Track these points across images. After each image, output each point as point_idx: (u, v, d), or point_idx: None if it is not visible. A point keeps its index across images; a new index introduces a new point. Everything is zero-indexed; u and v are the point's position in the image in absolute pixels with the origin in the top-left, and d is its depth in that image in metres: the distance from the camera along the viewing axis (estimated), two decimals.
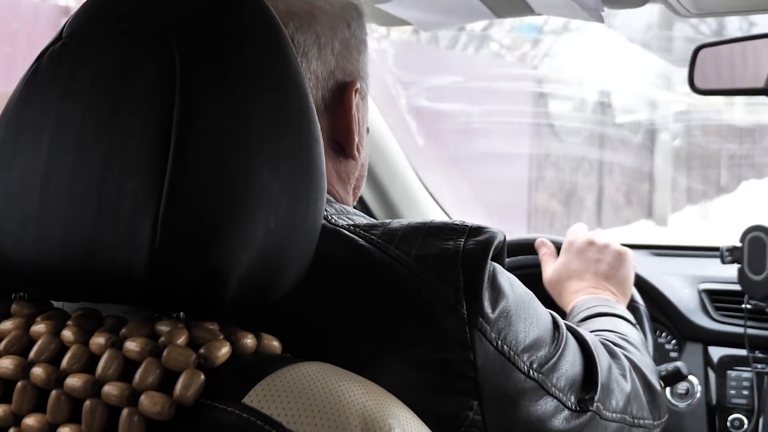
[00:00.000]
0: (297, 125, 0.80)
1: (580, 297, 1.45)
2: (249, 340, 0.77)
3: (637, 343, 1.26)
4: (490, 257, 0.89)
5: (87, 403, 0.72)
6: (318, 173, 0.82)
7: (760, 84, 1.56)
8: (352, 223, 0.92)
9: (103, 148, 0.74)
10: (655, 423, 1.20)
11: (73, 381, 0.73)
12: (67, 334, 0.76)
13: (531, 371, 0.92)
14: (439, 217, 2.33)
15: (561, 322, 1.02)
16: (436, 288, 0.86)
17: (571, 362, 0.99)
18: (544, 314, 0.99)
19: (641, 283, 1.96)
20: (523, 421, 0.92)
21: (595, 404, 1.02)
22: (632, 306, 1.57)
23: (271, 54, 0.80)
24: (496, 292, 0.90)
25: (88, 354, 0.74)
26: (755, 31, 1.56)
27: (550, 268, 1.59)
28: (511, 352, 0.90)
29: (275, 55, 0.80)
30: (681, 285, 1.99)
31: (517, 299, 0.93)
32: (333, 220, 0.92)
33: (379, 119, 2.04)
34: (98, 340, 0.75)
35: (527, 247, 1.71)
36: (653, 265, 2.13)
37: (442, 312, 0.86)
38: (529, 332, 0.93)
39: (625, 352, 1.18)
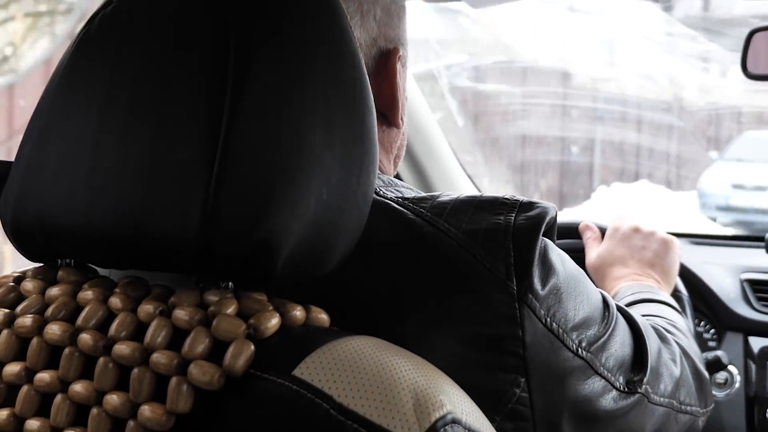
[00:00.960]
0: (351, 95, 0.79)
1: (623, 283, 1.43)
2: (298, 312, 0.77)
3: (684, 330, 1.25)
4: (541, 233, 0.88)
5: (135, 370, 0.71)
6: (371, 144, 0.81)
7: None
8: (401, 195, 0.91)
9: (156, 113, 0.73)
10: (702, 411, 1.18)
11: (122, 348, 0.72)
12: (115, 301, 0.75)
13: (580, 350, 0.91)
14: (465, 184, 2.31)
15: (611, 301, 1.00)
16: (486, 263, 0.85)
17: (620, 342, 0.98)
18: (595, 293, 0.97)
19: (682, 271, 1.93)
20: (570, 400, 0.91)
21: (643, 386, 1.01)
22: (675, 295, 1.54)
23: (328, 22, 0.79)
24: (547, 269, 0.88)
25: (136, 322, 0.74)
26: None
27: (593, 252, 1.57)
28: (560, 330, 0.89)
29: (331, 24, 0.79)
30: (722, 274, 1.96)
31: (568, 276, 0.91)
32: (382, 193, 0.91)
33: (419, 98, 2.02)
34: (146, 308, 0.74)
35: (571, 231, 1.69)
36: (694, 254, 2.10)
37: (492, 287, 0.85)
38: (579, 310, 0.92)
39: (675, 338, 1.16)
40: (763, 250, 1.82)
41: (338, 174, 0.77)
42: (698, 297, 1.92)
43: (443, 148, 2.17)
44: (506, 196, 0.90)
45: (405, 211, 0.88)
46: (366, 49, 0.99)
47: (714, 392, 1.82)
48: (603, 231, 1.61)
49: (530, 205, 0.89)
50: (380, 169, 1.01)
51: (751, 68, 1.54)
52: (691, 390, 1.14)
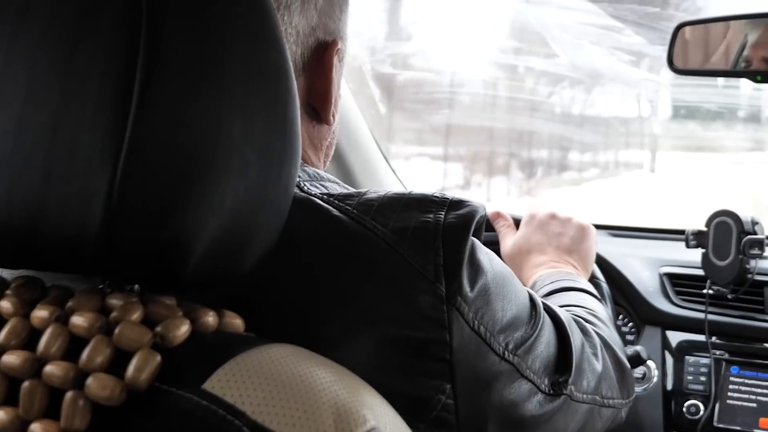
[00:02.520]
0: (274, 82, 0.73)
1: (542, 271, 1.41)
2: (210, 318, 0.71)
3: (605, 319, 1.23)
4: (471, 232, 0.85)
5: (26, 383, 0.65)
6: (293, 135, 0.75)
7: (737, 65, 1.52)
8: (326, 191, 0.86)
9: (57, 96, 0.66)
10: (624, 402, 1.18)
11: (11, 359, 0.65)
12: (5, 305, 0.69)
13: (507, 353, 0.89)
14: (397, 185, 2.28)
15: (538, 300, 0.98)
16: (414, 262, 0.82)
17: (546, 343, 0.96)
18: (522, 292, 0.95)
19: (600, 262, 1.92)
20: (495, 406, 0.89)
21: (568, 387, 0.99)
22: (594, 281, 1.53)
23: (249, 2, 0.73)
24: (475, 269, 0.85)
25: (28, 328, 0.67)
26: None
27: (509, 241, 1.53)
28: (488, 333, 0.86)
29: (254, 4, 0.73)
30: (641, 267, 1.95)
31: (497, 276, 0.89)
32: (306, 188, 0.86)
33: (343, 87, 1.97)
34: (41, 314, 0.67)
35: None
36: (613, 246, 2.10)
37: (420, 289, 0.82)
38: (507, 311, 0.89)
39: (596, 329, 1.14)
40: (682, 244, 1.81)
41: (257, 167, 0.71)
42: (617, 290, 1.91)
43: (368, 142, 2.12)
44: (435, 194, 0.86)
45: (329, 207, 0.84)
46: (303, 38, 0.94)
47: None
48: (517, 220, 1.58)
49: (460, 204, 0.86)
50: (308, 164, 0.97)
51: (677, 63, 1.52)
52: (613, 382, 1.12)
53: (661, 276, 1.91)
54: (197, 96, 0.67)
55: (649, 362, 1.83)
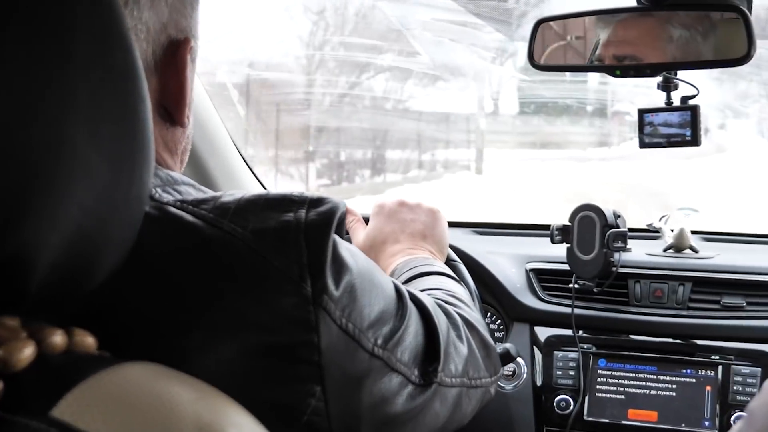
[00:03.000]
0: (121, 83, 0.67)
1: (399, 259, 1.39)
2: (58, 338, 0.65)
3: (466, 300, 1.22)
4: (333, 229, 0.82)
5: None
6: (145, 139, 0.69)
7: (594, 61, 1.53)
8: (180, 198, 0.82)
9: None
10: (491, 379, 1.17)
11: None
12: None
13: (376, 348, 0.87)
14: (256, 187, 2.22)
15: (403, 290, 0.97)
16: (277, 264, 0.79)
17: (414, 333, 0.95)
18: (388, 284, 0.94)
19: (466, 260, 1.91)
20: (366, 403, 0.87)
21: (438, 375, 0.98)
22: (450, 264, 1.51)
23: (91, 5, 0.66)
24: (340, 267, 0.83)
25: None
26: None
27: (360, 235, 1.51)
28: (356, 330, 0.85)
29: (95, 6, 0.66)
30: (508, 264, 1.96)
31: (361, 271, 0.87)
32: (157, 195, 0.81)
33: (197, 85, 1.89)
34: None
35: None
36: (479, 244, 2.10)
37: (285, 290, 0.79)
38: (374, 306, 0.88)
39: (458, 310, 1.13)
40: (548, 239, 1.82)
41: (106, 176, 0.65)
42: (485, 288, 1.92)
43: (227, 145, 2.06)
44: (294, 193, 0.84)
45: (184, 214, 0.80)
46: (154, 35, 0.89)
47: (502, 384, 1.82)
48: (364, 218, 1.55)
49: (320, 201, 0.83)
50: (163, 167, 0.91)
51: (537, 59, 1.52)
52: (479, 362, 1.11)
53: (527, 272, 1.92)
54: (35, 100, 0.61)
55: (519, 359, 1.84)
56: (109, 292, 0.73)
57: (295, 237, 0.80)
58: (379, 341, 0.88)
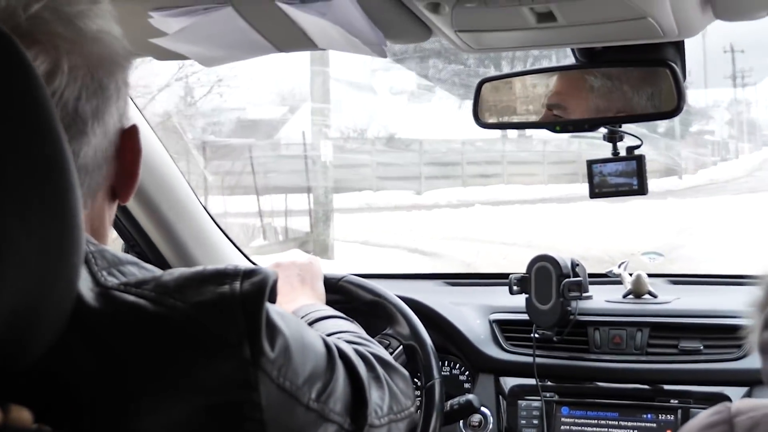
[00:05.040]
0: (50, 174, 0.72)
1: (290, 308, 1.48)
2: None
3: (366, 337, 1.30)
4: (266, 297, 0.87)
5: None
6: (75, 227, 0.74)
7: (535, 117, 1.58)
8: (124, 281, 0.86)
9: None
10: (412, 406, 1.22)
11: None
12: None
13: (311, 402, 0.93)
14: (231, 252, 2.26)
15: (331, 343, 1.02)
16: (217, 332, 0.84)
17: (343, 383, 1.00)
18: (317, 341, 0.99)
19: (433, 316, 1.96)
20: None
21: (368, 418, 1.04)
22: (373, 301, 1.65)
23: (23, 99, 0.71)
24: (273, 330, 0.88)
25: None
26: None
27: None
28: (293, 387, 0.90)
29: (27, 101, 0.71)
30: (473, 315, 2.00)
31: (293, 332, 0.92)
32: (102, 279, 0.85)
33: (163, 155, 1.94)
34: None
35: None
36: (446, 296, 2.14)
37: (226, 355, 0.84)
38: (307, 363, 0.93)
39: (369, 349, 1.18)
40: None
41: (36, 261, 0.70)
42: (450, 340, 1.95)
43: (195, 209, 2.10)
44: (228, 267, 0.89)
45: (126, 296, 0.84)
46: (116, 126, 0.94)
47: None
48: None
49: (253, 273, 0.88)
50: (104, 242, 0.96)
51: (483, 117, 1.57)
52: (398, 396, 1.17)
53: (491, 323, 1.95)
54: None
55: (485, 409, 1.86)
56: (58, 368, 0.77)
57: (230, 307, 0.85)
58: (313, 395, 0.93)
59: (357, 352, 1.11)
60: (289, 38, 1.30)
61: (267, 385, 0.86)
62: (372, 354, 1.17)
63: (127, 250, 2.09)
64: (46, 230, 0.71)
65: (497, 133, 22.78)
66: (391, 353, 1.59)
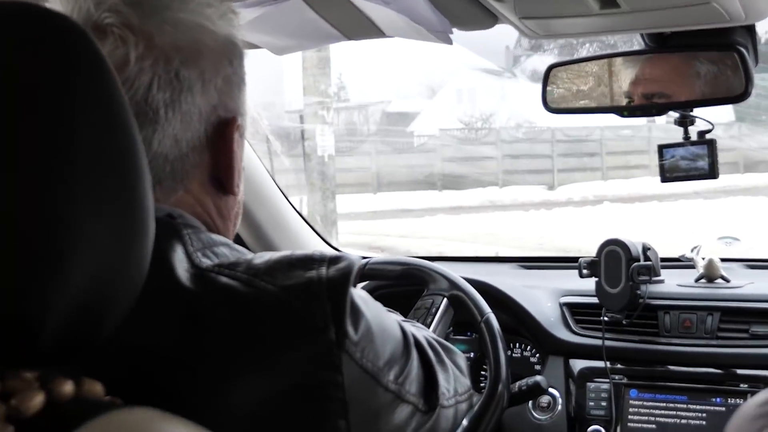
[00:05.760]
0: (121, 164, 0.76)
1: None
2: (66, 387, 0.73)
3: (419, 324, 1.35)
4: (351, 283, 0.92)
5: None
6: (144, 213, 0.78)
7: (609, 102, 1.59)
8: (217, 262, 0.92)
9: None
10: (472, 389, 1.28)
11: None
12: None
13: (389, 383, 0.97)
14: (310, 238, 2.32)
15: (407, 328, 1.06)
16: (303, 314, 0.89)
17: (417, 367, 1.05)
18: (395, 325, 1.03)
19: (503, 298, 1.98)
20: None
21: (439, 400, 1.09)
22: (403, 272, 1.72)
23: (95, 91, 0.76)
24: (356, 314, 0.93)
25: None
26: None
27: None
28: (374, 368, 0.95)
29: (100, 93, 0.76)
30: (544, 299, 2.01)
31: (374, 317, 0.97)
32: (197, 260, 0.91)
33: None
34: None
35: None
36: (519, 278, 2.16)
37: (312, 337, 0.89)
38: (386, 346, 0.98)
39: (425, 334, 1.21)
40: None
41: (108, 246, 0.74)
42: (521, 323, 1.97)
43: (275, 195, 2.15)
44: (316, 253, 0.94)
45: (220, 277, 0.90)
46: (206, 116, 0.98)
47: (538, 416, 1.88)
48: None
49: (338, 259, 0.93)
50: (214, 232, 1.01)
51: (551, 103, 1.59)
52: (461, 379, 1.21)
53: (561, 306, 1.97)
54: (42, 184, 0.70)
55: (554, 391, 1.88)
56: (148, 344, 0.84)
57: (318, 291, 0.90)
58: (392, 377, 0.98)
59: (426, 339, 1.16)
60: (357, 27, 1.33)
61: (350, 367, 0.91)
62: (433, 338, 1.21)
63: None
64: (118, 219, 0.75)
65: (642, 119, 21.41)
66: (437, 309, 1.64)
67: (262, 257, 0.93)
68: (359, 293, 0.97)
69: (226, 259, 0.92)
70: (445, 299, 1.65)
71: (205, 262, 0.91)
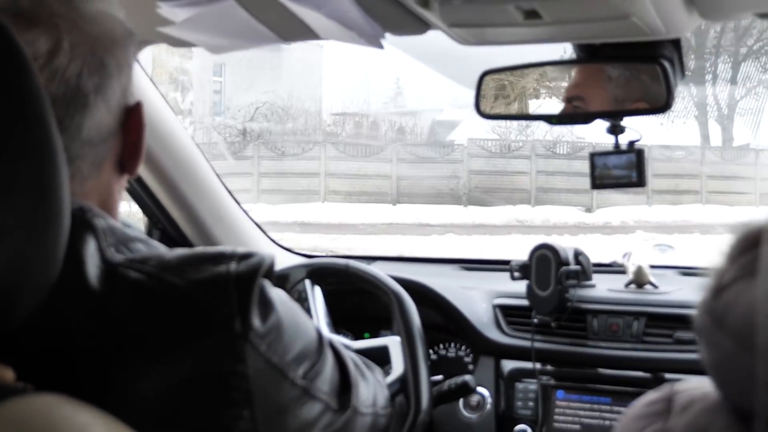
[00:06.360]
0: (38, 158, 0.79)
1: None
2: None
3: (348, 343, 1.42)
4: (259, 277, 0.95)
5: None
6: (59, 204, 0.81)
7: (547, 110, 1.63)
8: (130, 257, 0.94)
9: None
10: (390, 406, 1.33)
11: None
12: None
13: (298, 378, 1.00)
14: (252, 232, 2.33)
15: (321, 331, 1.10)
16: (210, 307, 0.91)
17: (331, 368, 1.08)
18: (310, 326, 1.06)
19: (439, 300, 2.02)
20: (292, 427, 1.00)
21: (352, 402, 1.12)
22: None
23: (10, 84, 0.78)
24: (266, 308, 0.96)
25: None
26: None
27: None
28: (281, 362, 0.97)
29: (14, 85, 0.78)
30: (479, 300, 2.05)
31: (287, 312, 0.99)
32: (109, 255, 0.93)
33: (183, 134, 2.02)
34: None
35: None
36: (457, 280, 2.20)
37: (218, 328, 0.91)
38: (296, 343, 1.00)
39: (351, 351, 1.31)
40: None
41: (20, 236, 0.77)
42: (455, 323, 2.01)
43: (216, 189, 2.17)
44: (227, 249, 0.97)
45: (130, 271, 0.92)
46: (120, 100, 1.01)
47: (468, 414, 1.92)
48: None
49: (249, 255, 0.96)
50: (114, 215, 1.04)
51: (483, 108, 1.62)
52: (382, 393, 1.27)
53: (494, 307, 2.01)
54: None
55: (483, 390, 1.92)
56: (55, 333, 0.86)
57: (225, 284, 0.93)
58: (300, 372, 1.00)
59: (345, 349, 1.20)
60: (291, 29, 1.36)
61: (255, 358, 0.93)
62: (354, 355, 1.27)
63: (150, 228, 2.18)
64: (32, 211, 0.78)
65: (695, 139, 18.53)
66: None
67: (174, 252, 0.96)
68: (276, 291, 1.00)
69: (139, 254, 0.95)
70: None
71: (118, 257, 0.93)
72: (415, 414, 1.61)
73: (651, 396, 0.90)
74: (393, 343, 1.67)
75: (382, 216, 15.29)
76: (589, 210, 16.31)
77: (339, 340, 1.42)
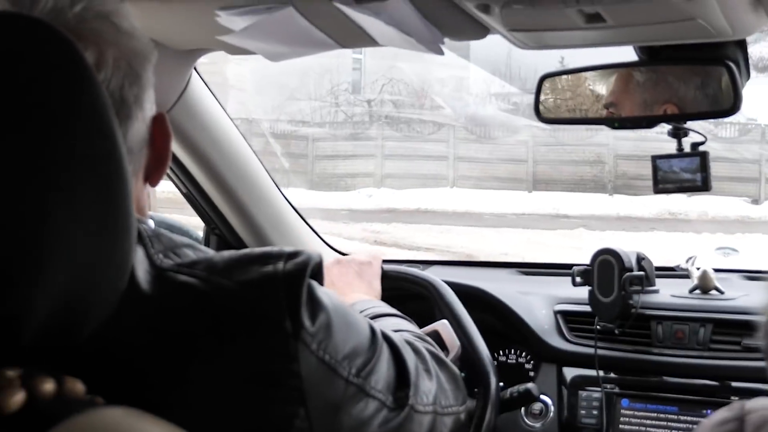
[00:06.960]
0: (103, 168, 0.79)
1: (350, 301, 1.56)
2: (47, 385, 0.76)
3: (423, 336, 1.38)
4: (307, 275, 0.95)
5: None
6: (125, 214, 0.81)
7: (599, 113, 1.60)
8: (178, 261, 0.95)
9: None
10: (461, 408, 1.30)
11: None
12: None
13: (351, 376, 1.00)
14: (308, 236, 2.34)
15: (376, 327, 1.09)
16: (259, 307, 0.92)
17: (386, 364, 1.08)
18: (362, 322, 1.07)
19: (499, 305, 2.00)
20: (347, 426, 1.00)
21: (410, 400, 1.11)
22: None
23: (79, 98, 0.79)
24: (315, 307, 0.96)
25: None
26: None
27: None
28: (332, 360, 0.97)
29: (83, 99, 0.79)
30: (539, 305, 2.03)
31: (337, 311, 1.00)
32: (158, 262, 0.93)
33: (240, 141, 2.03)
34: None
35: None
36: (515, 284, 2.17)
37: (268, 329, 0.92)
38: (348, 340, 1.01)
39: (426, 346, 1.27)
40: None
41: (89, 247, 0.77)
42: (515, 330, 1.99)
43: (273, 195, 2.18)
44: (274, 249, 0.97)
45: (179, 276, 0.93)
46: (151, 112, 1.02)
47: (531, 423, 1.89)
48: None
49: (296, 254, 0.97)
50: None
51: (544, 113, 1.60)
52: (448, 393, 1.25)
53: (555, 314, 1.98)
54: (24, 189, 0.74)
55: (546, 398, 1.90)
56: (114, 344, 0.86)
57: (273, 284, 0.93)
58: (353, 370, 1.01)
59: (411, 345, 1.20)
60: (350, 36, 1.35)
61: (306, 357, 0.94)
62: (427, 350, 1.25)
63: (208, 234, 2.20)
64: (99, 222, 0.79)
65: None
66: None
67: (222, 255, 0.97)
68: (325, 290, 1.00)
69: (188, 259, 0.95)
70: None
71: (167, 262, 0.94)
72: (484, 405, 1.58)
73: (721, 414, 0.88)
74: (442, 326, 1.64)
75: (515, 205, 14.05)
76: (756, 201, 14.24)
77: (414, 332, 1.38)
